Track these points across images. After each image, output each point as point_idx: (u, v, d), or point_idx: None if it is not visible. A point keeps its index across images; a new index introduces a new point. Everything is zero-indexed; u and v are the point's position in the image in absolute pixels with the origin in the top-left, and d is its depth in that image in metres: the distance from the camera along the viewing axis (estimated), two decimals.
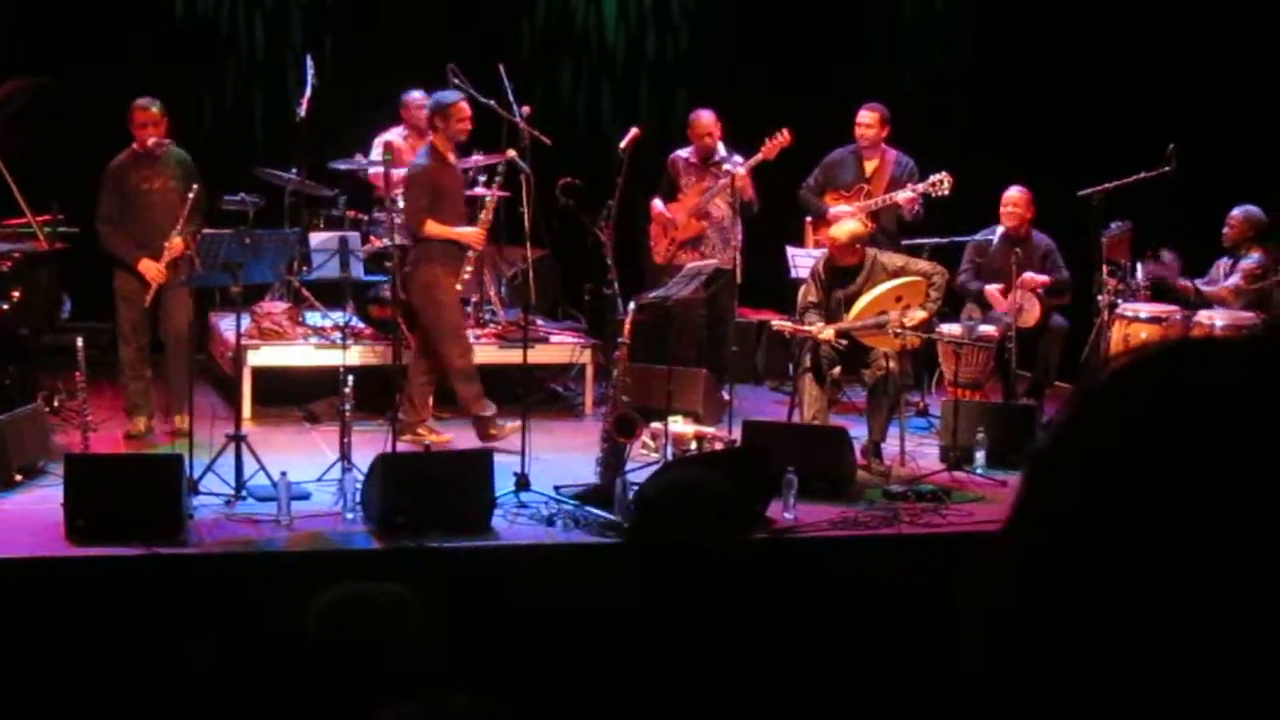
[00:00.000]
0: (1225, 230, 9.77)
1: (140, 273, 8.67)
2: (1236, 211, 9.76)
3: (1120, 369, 0.94)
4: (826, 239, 9.09)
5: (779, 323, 9.07)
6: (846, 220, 9.17)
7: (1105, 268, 9.45)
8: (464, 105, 9.02)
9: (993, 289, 9.55)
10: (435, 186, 8.91)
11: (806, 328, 8.73)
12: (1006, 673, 0.91)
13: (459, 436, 8.87)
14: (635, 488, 7.48)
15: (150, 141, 8.70)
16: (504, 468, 7.73)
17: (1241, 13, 11.06)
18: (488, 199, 9.29)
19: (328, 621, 3.35)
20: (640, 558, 2.81)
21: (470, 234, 9.04)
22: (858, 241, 8.80)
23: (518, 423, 8.20)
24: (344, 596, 3.39)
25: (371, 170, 10.19)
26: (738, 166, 9.83)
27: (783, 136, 9.77)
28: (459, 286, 9.05)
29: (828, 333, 8.63)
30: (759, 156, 9.83)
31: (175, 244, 8.63)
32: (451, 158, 9.09)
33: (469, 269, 9.14)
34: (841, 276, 8.84)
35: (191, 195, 8.66)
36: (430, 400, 9.12)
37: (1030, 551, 0.92)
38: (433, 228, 8.90)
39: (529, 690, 2.57)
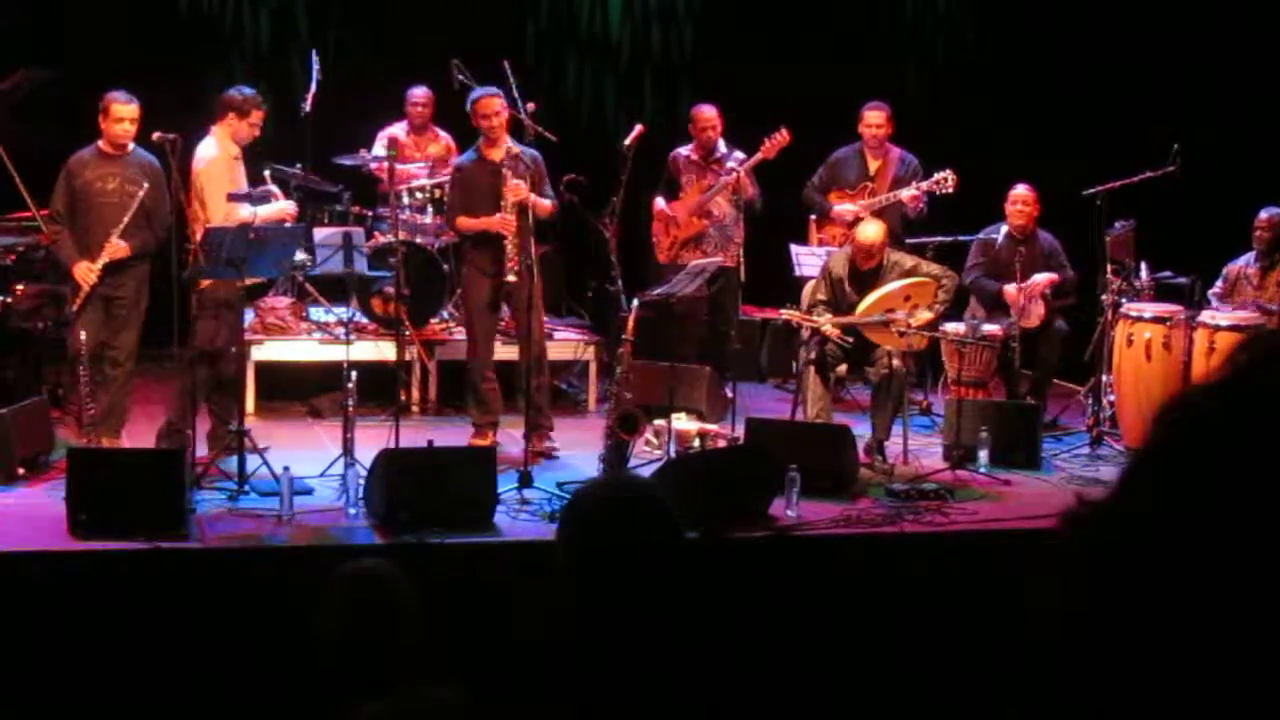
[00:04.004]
0: (1256, 234, 9.36)
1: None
2: (1265, 214, 9.36)
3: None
4: (851, 241, 9.01)
5: (786, 312, 8.99)
6: (871, 222, 9.09)
7: (1109, 267, 9.41)
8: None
9: (1011, 290, 9.46)
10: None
11: (813, 319, 8.71)
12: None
13: (464, 433, 8.85)
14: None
15: (123, 141, 8.20)
16: (507, 464, 7.73)
17: (1248, 10, 11.03)
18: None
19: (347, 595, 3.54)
20: (579, 566, 2.71)
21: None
22: (884, 244, 8.78)
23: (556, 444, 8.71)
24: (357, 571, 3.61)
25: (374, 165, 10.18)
26: (738, 165, 9.81)
27: (782, 135, 9.73)
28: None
29: (831, 328, 8.60)
30: (758, 156, 9.80)
31: (114, 246, 8.12)
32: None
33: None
34: (860, 279, 8.81)
35: (141, 194, 8.14)
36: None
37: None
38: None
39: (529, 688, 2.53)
